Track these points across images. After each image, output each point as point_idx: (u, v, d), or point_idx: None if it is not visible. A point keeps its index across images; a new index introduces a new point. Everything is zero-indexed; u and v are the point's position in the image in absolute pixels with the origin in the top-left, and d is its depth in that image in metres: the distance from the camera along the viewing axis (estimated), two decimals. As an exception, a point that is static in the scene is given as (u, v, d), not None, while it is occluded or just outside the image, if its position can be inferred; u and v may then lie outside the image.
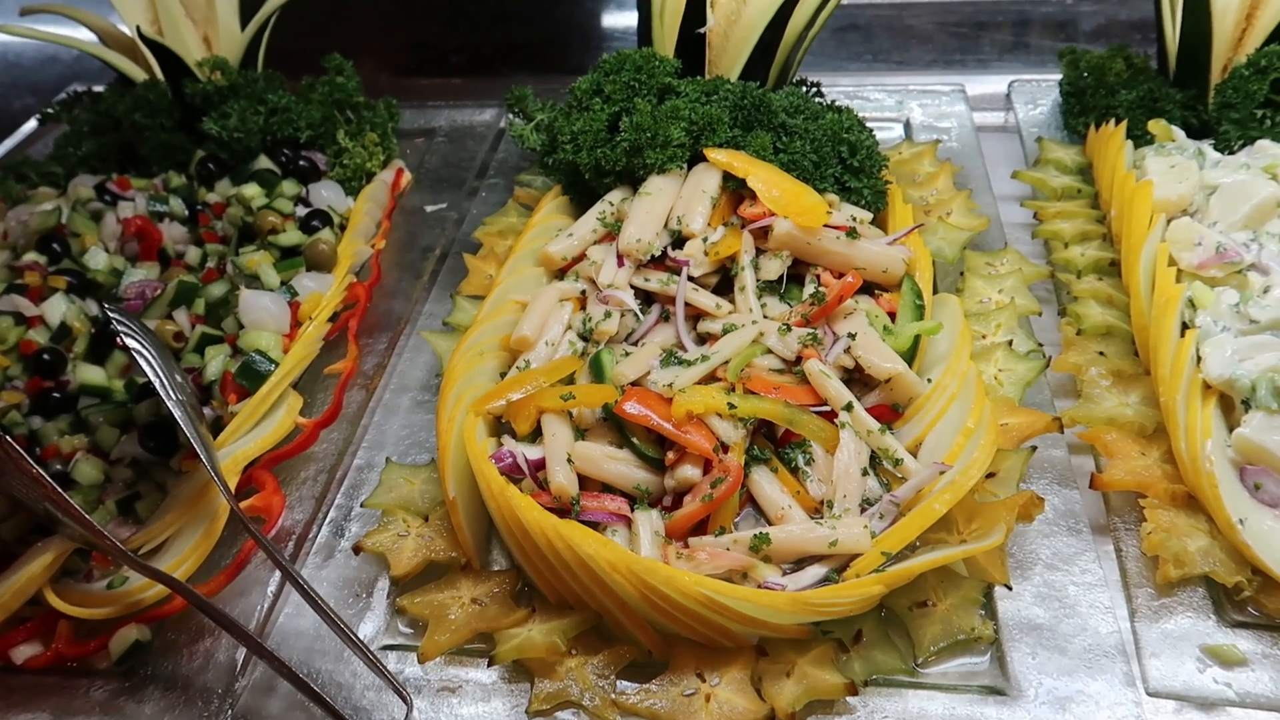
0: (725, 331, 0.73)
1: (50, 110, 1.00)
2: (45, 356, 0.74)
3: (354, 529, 0.67)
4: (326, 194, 0.91)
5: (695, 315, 0.76)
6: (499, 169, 1.02)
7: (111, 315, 0.67)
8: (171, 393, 0.65)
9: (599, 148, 0.83)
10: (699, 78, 0.88)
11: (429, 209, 0.96)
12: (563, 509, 0.61)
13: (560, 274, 0.81)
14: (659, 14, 0.90)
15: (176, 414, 0.64)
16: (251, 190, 0.88)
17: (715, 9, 0.88)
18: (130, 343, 0.65)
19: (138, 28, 0.92)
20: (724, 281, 0.79)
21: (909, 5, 1.29)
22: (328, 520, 0.67)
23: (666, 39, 0.90)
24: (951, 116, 1.04)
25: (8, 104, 1.29)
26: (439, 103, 1.13)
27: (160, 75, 0.96)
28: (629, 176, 0.84)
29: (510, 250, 0.83)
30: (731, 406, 0.65)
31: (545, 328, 0.73)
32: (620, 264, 0.77)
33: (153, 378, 0.64)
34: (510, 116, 0.97)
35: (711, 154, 0.82)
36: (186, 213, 0.89)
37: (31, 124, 1.17)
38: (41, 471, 0.59)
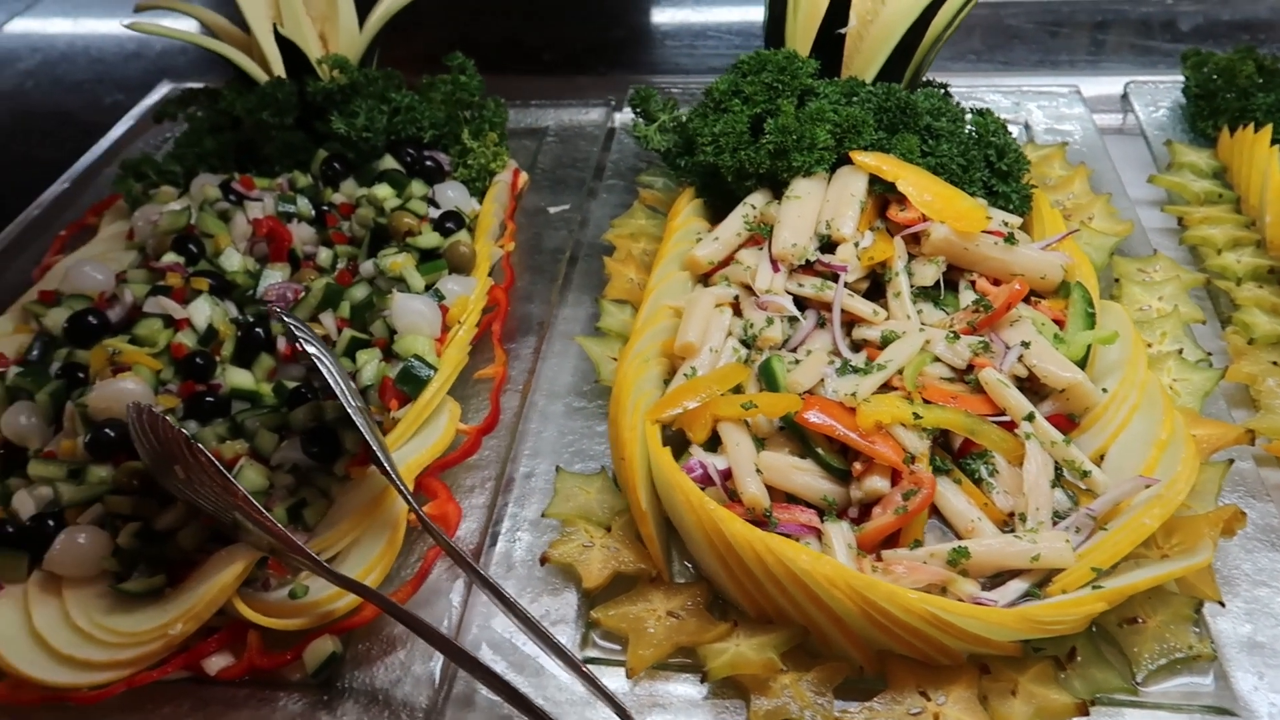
0: (885, 339, 0.72)
1: (166, 107, 0.99)
2: (198, 360, 0.73)
3: (526, 539, 0.66)
4: (452, 195, 0.90)
5: (848, 322, 0.75)
6: (615, 169, 1.00)
7: (288, 320, 0.66)
8: (351, 399, 0.64)
9: (742, 150, 0.82)
10: (836, 79, 0.87)
11: (552, 210, 0.95)
12: (756, 521, 0.60)
13: (704, 278, 0.80)
14: (794, 12, 0.88)
15: (359, 421, 0.63)
16: (384, 191, 0.87)
17: (852, 9, 0.87)
18: (309, 349, 0.64)
19: (274, 25, 0.90)
20: (872, 287, 0.78)
21: (1006, 4, 1.28)
22: (503, 531, 0.66)
23: (800, 39, 0.89)
24: (1071, 119, 1.02)
25: (98, 99, 1.28)
26: (541, 101, 1.11)
27: (282, 73, 0.95)
28: (770, 179, 0.83)
29: (657, 254, 0.82)
30: (916, 416, 0.64)
31: (707, 334, 0.72)
32: (775, 269, 0.76)
33: (333, 384, 0.63)
34: (633, 117, 0.96)
35: (858, 157, 0.81)
36: (313, 213, 0.88)
37: (127, 121, 1.16)
38: (234, 480, 0.58)
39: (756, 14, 1.35)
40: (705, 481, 0.62)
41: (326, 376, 0.63)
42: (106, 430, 0.67)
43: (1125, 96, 1.06)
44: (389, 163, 0.91)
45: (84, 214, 0.99)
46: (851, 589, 0.53)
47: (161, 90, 1.22)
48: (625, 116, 1.06)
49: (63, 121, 1.23)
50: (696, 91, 0.98)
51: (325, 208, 0.89)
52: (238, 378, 0.74)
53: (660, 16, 1.37)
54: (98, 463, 0.67)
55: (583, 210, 0.95)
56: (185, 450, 0.58)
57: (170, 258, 0.81)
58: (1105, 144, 0.98)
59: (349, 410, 0.63)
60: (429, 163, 0.92)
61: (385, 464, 0.62)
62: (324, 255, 0.85)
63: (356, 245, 0.87)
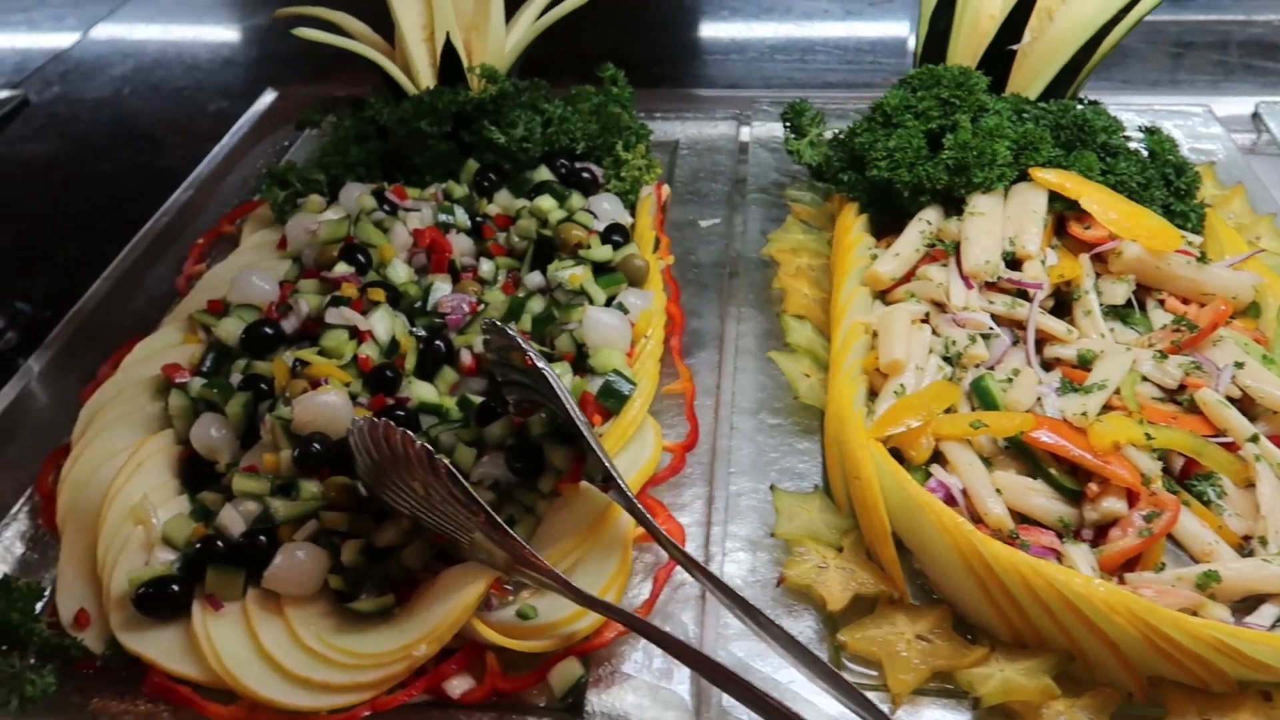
0: (1082, 358, 0.71)
1: (308, 115, 0.98)
2: (388, 373, 0.72)
3: (744, 559, 0.65)
4: (608, 207, 0.89)
5: (1036, 340, 0.74)
6: (755, 183, 0.99)
7: (511, 332, 0.64)
8: (579, 415, 0.62)
9: (919, 165, 0.81)
10: (1003, 95, 0.87)
11: (703, 224, 0.94)
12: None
13: (882, 294, 0.79)
14: (959, 28, 0.88)
15: (590, 438, 0.62)
16: (547, 203, 0.86)
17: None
18: (539, 363, 0.63)
19: (447, 34, 0.89)
20: (1056, 305, 0.78)
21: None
22: (719, 551, 0.65)
23: (963, 54, 0.89)
24: (1209, 138, 1.02)
25: (201, 106, 1.26)
26: (666, 114, 1.10)
27: (429, 82, 0.94)
28: (943, 195, 0.82)
29: (833, 269, 0.81)
30: (1148, 437, 0.63)
31: (910, 351, 0.71)
32: (968, 285, 0.76)
33: (565, 399, 0.62)
34: (783, 130, 0.95)
35: (1039, 174, 0.80)
36: (469, 224, 0.87)
37: (241, 128, 1.14)
38: (478, 497, 0.57)
39: (851, 30, 1.37)
40: (949, 502, 0.61)
41: (559, 392, 0.62)
42: (314, 444, 0.65)
43: (1256, 116, 1.07)
44: (543, 174, 0.90)
45: (218, 222, 0.98)
46: (1132, 614, 0.52)
47: (267, 98, 1.21)
48: (759, 130, 1.06)
49: (170, 129, 1.22)
50: (818, 104, 0.97)
51: (480, 219, 0.88)
52: (423, 391, 0.73)
53: (765, 30, 1.37)
54: (305, 477, 0.65)
55: (732, 224, 0.94)
56: (426, 466, 0.57)
57: (342, 268, 0.80)
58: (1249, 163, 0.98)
59: (580, 427, 0.62)
60: (585, 174, 0.91)
61: (621, 481, 0.61)
62: (486, 267, 0.84)
63: (515, 257, 0.86)
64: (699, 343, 0.81)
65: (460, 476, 0.57)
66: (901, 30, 1.37)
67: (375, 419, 0.59)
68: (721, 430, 0.73)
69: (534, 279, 0.82)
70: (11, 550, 0.68)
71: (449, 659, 0.58)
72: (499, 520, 0.57)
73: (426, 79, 0.95)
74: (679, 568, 0.62)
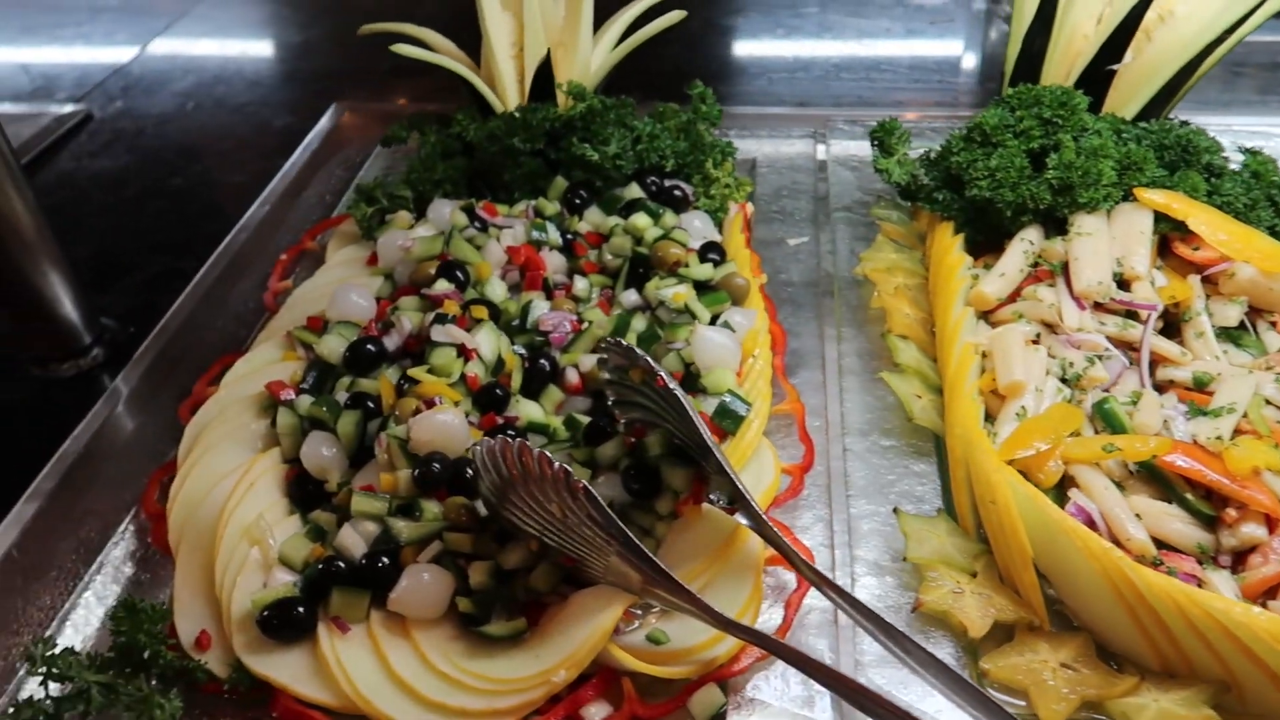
0: (1198, 380, 0.70)
1: (396, 132, 0.97)
2: (498, 391, 0.71)
3: (870, 583, 0.64)
4: (699, 224, 0.88)
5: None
6: (839, 200, 0.99)
7: (638, 353, 0.64)
8: (708, 435, 0.61)
9: (1022, 185, 0.81)
10: (1101, 115, 0.86)
11: (792, 242, 0.93)
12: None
13: (985, 314, 0.79)
14: (1054, 47, 0.88)
15: (719, 457, 0.61)
16: (643, 221, 0.85)
17: (1120, 45, 0.86)
18: (670, 383, 0.62)
19: (548, 51, 0.89)
20: (1164, 327, 0.77)
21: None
22: (842, 575, 0.64)
23: (1057, 74, 0.88)
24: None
25: (267, 122, 1.26)
26: (740, 132, 1.10)
27: (515, 99, 0.94)
28: (1045, 215, 0.81)
29: (933, 290, 0.81)
30: (1285, 461, 0.62)
31: (1029, 373, 0.70)
32: (1080, 306, 0.75)
33: (695, 420, 0.61)
34: (873, 149, 0.95)
35: (1145, 194, 0.80)
36: (561, 242, 0.86)
37: (311, 144, 1.14)
38: (616, 520, 0.56)
39: (914, 48, 1.37)
40: (1089, 528, 0.60)
41: (690, 413, 0.61)
42: (435, 464, 0.64)
43: (1337, 137, 1.06)
44: (634, 191, 0.90)
45: (300, 238, 0.98)
46: (1298, 644, 0.51)
47: (331, 113, 1.20)
48: (836, 148, 1.06)
49: (236, 144, 1.21)
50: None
51: (570, 236, 0.87)
52: (531, 410, 0.72)
53: (828, 49, 1.36)
54: (425, 497, 0.64)
55: (819, 242, 0.93)
56: (563, 487, 0.56)
57: (443, 285, 0.79)
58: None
59: (712, 448, 0.61)
60: (676, 192, 0.90)
61: (753, 503, 0.60)
62: (581, 285, 0.83)
63: (607, 275, 0.85)
64: (800, 362, 0.80)
65: (602, 501, 0.56)
66: (958, 49, 1.36)
67: (508, 438, 0.58)
68: (834, 452, 0.72)
69: (629, 297, 0.82)
70: (122, 571, 0.67)
71: (585, 685, 0.57)
72: (638, 543, 0.56)
73: (513, 95, 0.95)
74: (807, 593, 0.61)
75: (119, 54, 1.45)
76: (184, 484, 0.68)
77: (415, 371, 0.71)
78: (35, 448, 0.80)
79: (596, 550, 0.57)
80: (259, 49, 1.47)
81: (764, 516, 0.60)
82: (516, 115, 0.89)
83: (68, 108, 1.29)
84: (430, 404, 0.68)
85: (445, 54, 0.97)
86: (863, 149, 1.06)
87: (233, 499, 0.65)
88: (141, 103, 1.32)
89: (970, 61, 1.34)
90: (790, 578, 0.63)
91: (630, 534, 0.56)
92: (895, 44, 1.37)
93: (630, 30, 0.98)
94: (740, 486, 0.60)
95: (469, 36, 1.00)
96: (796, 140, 1.09)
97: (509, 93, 0.94)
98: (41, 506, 0.71)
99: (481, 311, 0.77)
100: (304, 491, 0.68)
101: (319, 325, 0.79)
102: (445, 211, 0.89)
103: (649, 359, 0.63)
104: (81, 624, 0.64)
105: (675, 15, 0.93)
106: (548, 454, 0.56)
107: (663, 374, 0.62)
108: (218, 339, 0.87)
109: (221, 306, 0.90)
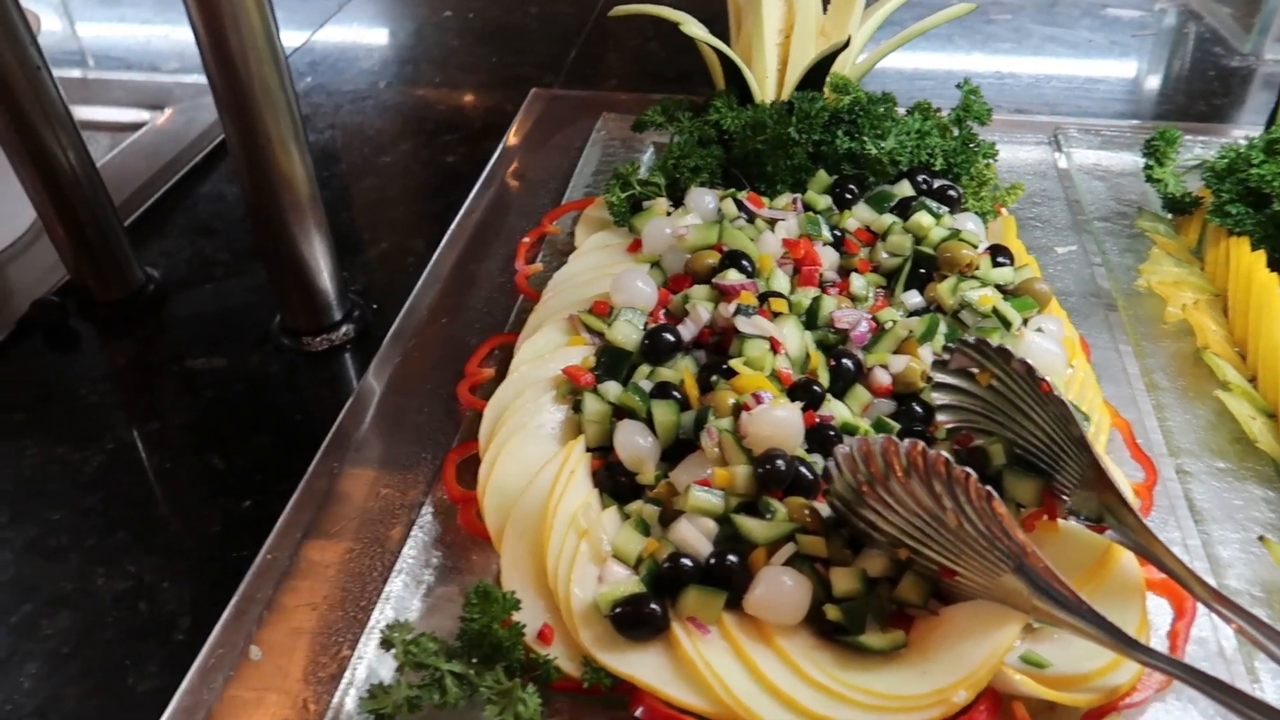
0: None
1: (649, 117, 0.94)
2: (815, 388, 0.67)
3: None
4: (972, 227, 0.84)
5: None
6: (1095, 210, 0.95)
7: (1014, 356, 0.60)
8: (1098, 451, 0.57)
9: (1344, 200, 0.76)
10: None
11: (1060, 250, 0.89)
12: None
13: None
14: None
15: (1108, 468, 0.57)
16: (926, 220, 0.81)
17: None
18: (1057, 391, 0.58)
19: (848, 39, 0.86)
20: None
21: None
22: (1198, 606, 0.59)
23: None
24: None
25: (464, 104, 1.24)
26: (969, 135, 1.06)
27: (772, 90, 0.91)
28: (1358, 231, 0.77)
29: (1239, 305, 0.76)
30: None
31: (1387, 398, 0.66)
32: None
33: (1084, 428, 0.57)
34: (1146, 159, 0.90)
35: None
36: (831, 237, 0.83)
37: (520, 126, 1.12)
38: (1021, 533, 0.52)
39: (1120, 60, 1.32)
40: None
41: (1080, 422, 0.57)
42: (778, 461, 0.61)
43: None
44: (905, 189, 0.86)
45: (540, 220, 0.95)
46: None
47: (534, 99, 1.18)
48: (1078, 157, 1.02)
49: (440, 125, 1.19)
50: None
51: (839, 232, 0.83)
52: (841, 410, 0.68)
53: (1032, 59, 1.32)
54: (766, 495, 0.61)
55: (1089, 253, 0.89)
56: (963, 493, 0.52)
57: (736, 276, 0.76)
58: None
59: (1099, 460, 0.57)
60: (951, 192, 0.86)
61: (1138, 518, 0.56)
62: (858, 283, 0.80)
63: (880, 273, 0.82)
64: (1100, 376, 0.76)
65: (1005, 508, 0.52)
66: (1161, 62, 1.32)
67: (895, 440, 0.54)
68: (1166, 473, 0.68)
69: (911, 298, 0.78)
70: (430, 558, 0.64)
71: (974, 707, 0.53)
72: (1044, 559, 0.52)
73: (771, 85, 0.91)
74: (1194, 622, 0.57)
75: (291, 38, 1.44)
76: (493, 469, 0.65)
77: (735, 364, 0.68)
78: (296, 421, 0.78)
79: (987, 564, 0.53)
80: (434, 30, 1.45)
81: (1153, 533, 0.56)
82: (792, 104, 0.86)
83: (261, 81, 1.27)
84: (758, 399, 0.65)
85: (700, 40, 0.94)
86: (1106, 158, 1.03)
87: (556, 488, 0.62)
88: (332, 80, 1.31)
89: (1146, 82, 1.29)
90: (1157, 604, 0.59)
91: (1036, 550, 0.52)
92: (1101, 55, 1.32)
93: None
94: (1127, 500, 0.56)
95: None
96: (1031, 147, 1.05)
97: (769, 81, 0.91)
98: (332, 485, 0.68)
99: (781, 304, 0.73)
100: (615, 482, 0.65)
101: (605, 311, 0.76)
102: (706, 200, 0.86)
103: (1028, 363, 0.59)
104: (401, 608, 0.61)
105: (965, 7, 0.90)
106: (948, 457, 0.52)
107: (1050, 383, 0.58)
108: (471, 319, 0.84)
109: (470, 287, 0.87)
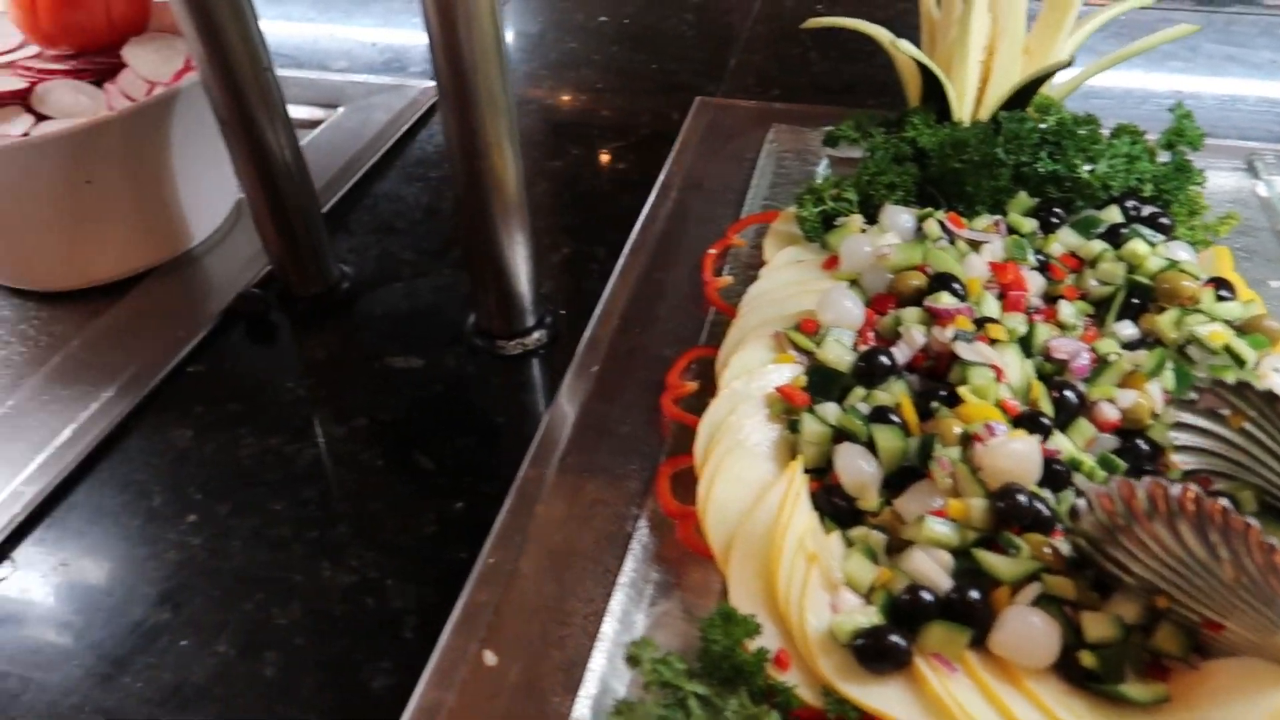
0: None
1: (840, 132, 0.93)
2: (1042, 420, 0.66)
3: None
4: (1185, 256, 0.81)
5: None
6: (1300, 236, 0.91)
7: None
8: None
9: None
10: None
11: (1273, 284, 0.85)
12: None
13: None
14: None
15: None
16: (1142, 248, 0.79)
17: None
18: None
19: (1071, 58, 0.84)
20: None
21: None
22: None
23: None
24: None
25: (627, 111, 1.24)
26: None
27: (970, 109, 0.89)
28: None
29: None
30: None
31: None
32: None
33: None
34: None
35: None
36: (1035, 262, 0.80)
37: (688, 136, 1.11)
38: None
39: None
40: None
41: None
42: (1019, 496, 0.59)
43: None
44: (1114, 215, 0.83)
45: (724, 231, 0.95)
46: None
47: (699, 108, 1.18)
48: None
49: (605, 131, 1.20)
50: None
51: (1043, 257, 0.81)
52: (1065, 444, 0.66)
53: (1214, 82, 1.27)
54: (1004, 530, 0.59)
55: (1297, 281, 0.85)
56: (1242, 543, 0.50)
57: (949, 300, 0.74)
58: None
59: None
60: (1163, 219, 0.83)
61: None
62: (1067, 311, 0.77)
63: (1087, 301, 0.79)
64: (1332, 420, 0.73)
65: (1288, 561, 0.50)
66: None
67: (1159, 479, 0.52)
68: None
69: (1124, 329, 0.75)
70: (649, 572, 0.64)
71: (1244, 769, 0.50)
72: (1328, 614, 0.49)
73: (970, 102, 0.90)
74: None
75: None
76: (713, 486, 0.65)
77: (962, 392, 0.66)
78: (497, 424, 0.79)
79: (1262, 620, 0.51)
80: (593, 37, 1.46)
81: None
82: (998, 123, 0.84)
83: (429, 82, 1.30)
84: (990, 430, 0.63)
85: (896, 56, 0.92)
86: (1314, 187, 0.98)
87: (784, 512, 0.62)
88: (495, 82, 1.32)
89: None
90: None
91: (1321, 606, 0.49)
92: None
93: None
94: None
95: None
96: (1226, 173, 1.01)
97: (968, 98, 0.89)
98: (542, 491, 0.69)
99: (999, 331, 0.71)
100: (834, 505, 0.64)
101: (813, 329, 0.75)
102: (902, 219, 0.84)
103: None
104: (627, 622, 0.61)
105: (1186, 28, 0.87)
106: (1225, 503, 0.50)
107: (1319, 420, 0.56)
108: (663, 330, 0.84)
109: (658, 298, 0.87)
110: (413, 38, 1.49)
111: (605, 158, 1.15)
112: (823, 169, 1.05)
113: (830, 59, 1.34)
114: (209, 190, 0.99)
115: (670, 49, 1.40)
